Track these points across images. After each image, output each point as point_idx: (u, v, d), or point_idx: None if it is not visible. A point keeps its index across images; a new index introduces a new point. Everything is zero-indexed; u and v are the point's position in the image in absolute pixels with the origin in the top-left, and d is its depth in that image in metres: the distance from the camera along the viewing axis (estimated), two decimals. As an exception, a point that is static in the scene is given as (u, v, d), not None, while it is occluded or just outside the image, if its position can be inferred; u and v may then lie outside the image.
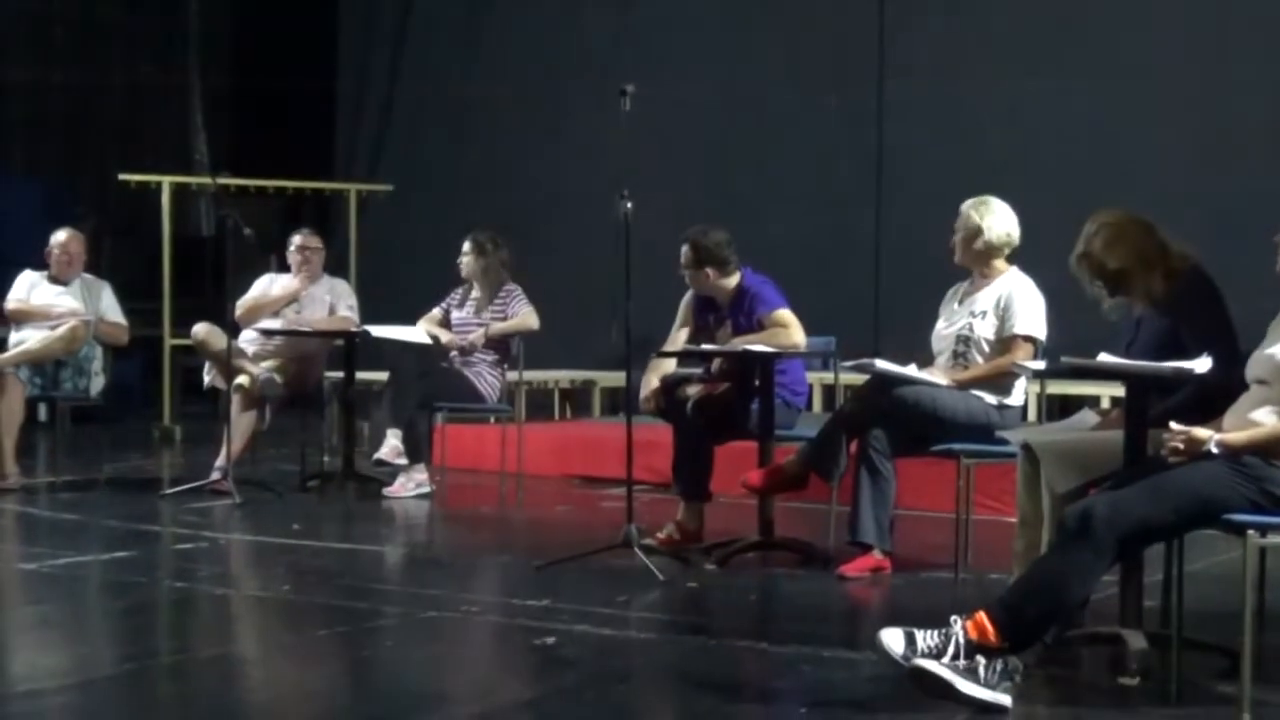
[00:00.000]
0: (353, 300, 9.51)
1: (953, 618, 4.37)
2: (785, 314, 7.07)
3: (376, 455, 8.65)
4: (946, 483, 6.78)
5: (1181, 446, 4.40)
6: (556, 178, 13.30)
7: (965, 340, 6.52)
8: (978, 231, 6.53)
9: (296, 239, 9.45)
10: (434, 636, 5.41)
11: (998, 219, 6.54)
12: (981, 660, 4.29)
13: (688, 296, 7.37)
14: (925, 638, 4.37)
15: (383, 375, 9.15)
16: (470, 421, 9.99)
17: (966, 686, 4.26)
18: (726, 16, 12.88)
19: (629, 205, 6.51)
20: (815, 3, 12.31)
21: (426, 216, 13.90)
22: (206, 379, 9.38)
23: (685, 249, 7.18)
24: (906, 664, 4.34)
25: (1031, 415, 7.97)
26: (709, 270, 7.15)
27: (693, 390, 7.07)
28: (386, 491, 8.73)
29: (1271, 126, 10.31)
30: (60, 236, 9.38)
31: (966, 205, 6.59)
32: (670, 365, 7.40)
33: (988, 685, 4.26)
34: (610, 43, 13.16)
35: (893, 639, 4.41)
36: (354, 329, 9.17)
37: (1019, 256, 6.62)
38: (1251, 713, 4.22)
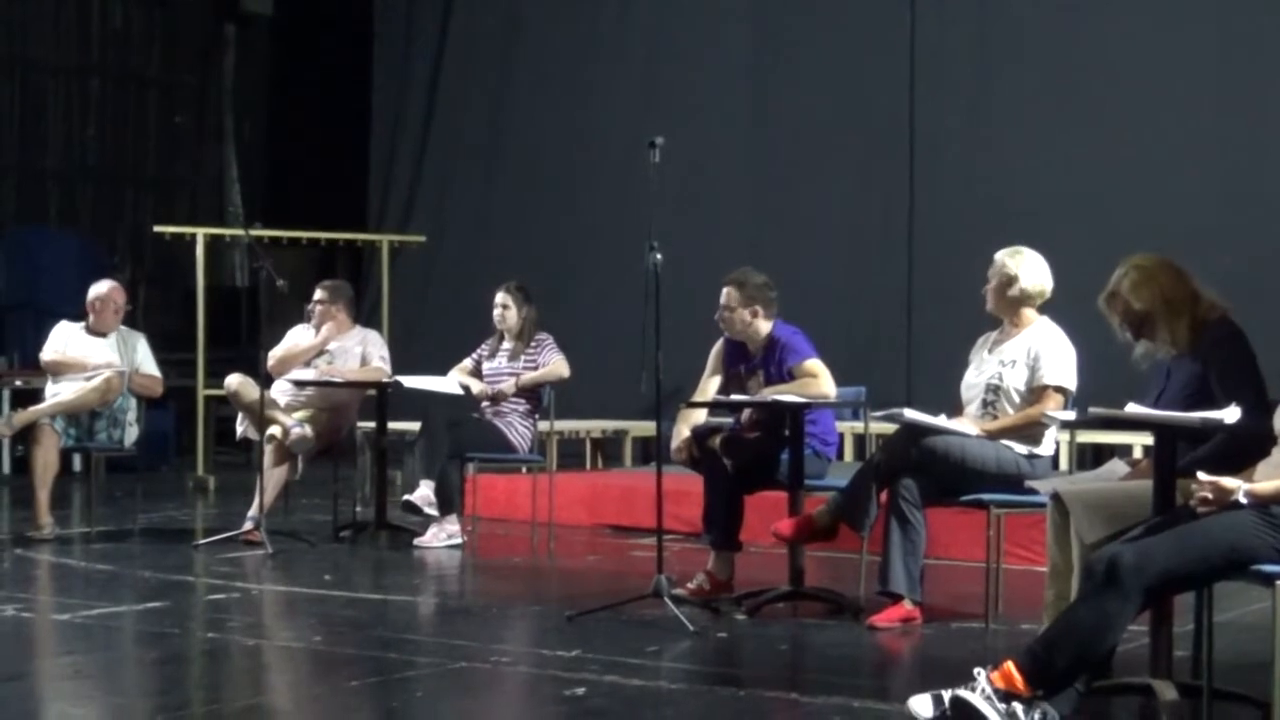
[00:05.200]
0: (385, 351, 9.54)
1: (976, 670, 4.37)
2: (815, 364, 7.07)
3: (406, 497, 8.65)
4: (977, 532, 6.77)
5: (1210, 496, 4.39)
6: (587, 228, 13.36)
7: (995, 389, 6.52)
8: (1011, 280, 6.53)
9: (316, 293, 9.54)
10: (464, 687, 5.42)
11: (1032, 269, 6.55)
12: (1020, 707, 4.29)
13: (717, 346, 7.38)
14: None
15: (415, 425, 9.18)
16: (502, 471, 10.02)
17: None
18: (755, 67, 12.93)
19: (659, 256, 6.55)
20: (846, 52, 12.34)
21: (459, 267, 13.99)
22: (239, 430, 9.43)
23: (729, 290, 7.17)
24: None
25: (1063, 465, 7.95)
26: (757, 308, 7.14)
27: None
28: (418, 542, 8.75)
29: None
30: (102, 289, 9.42)
31: (1001, 254, 6.60)
32: (701, 415, 7.40)
33: (1026, 733, 4.27)
34: (640, 94, 13.23)
35: (921, 705, 4.43)
36: (386, 379, 9.21)
37: (1049, 304, 6.62)
38: (1283, 764, 4.20)
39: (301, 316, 9.67)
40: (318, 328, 9.42)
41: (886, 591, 6.33)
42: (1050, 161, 11.28)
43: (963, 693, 4.33)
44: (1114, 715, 4.86)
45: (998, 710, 4.27)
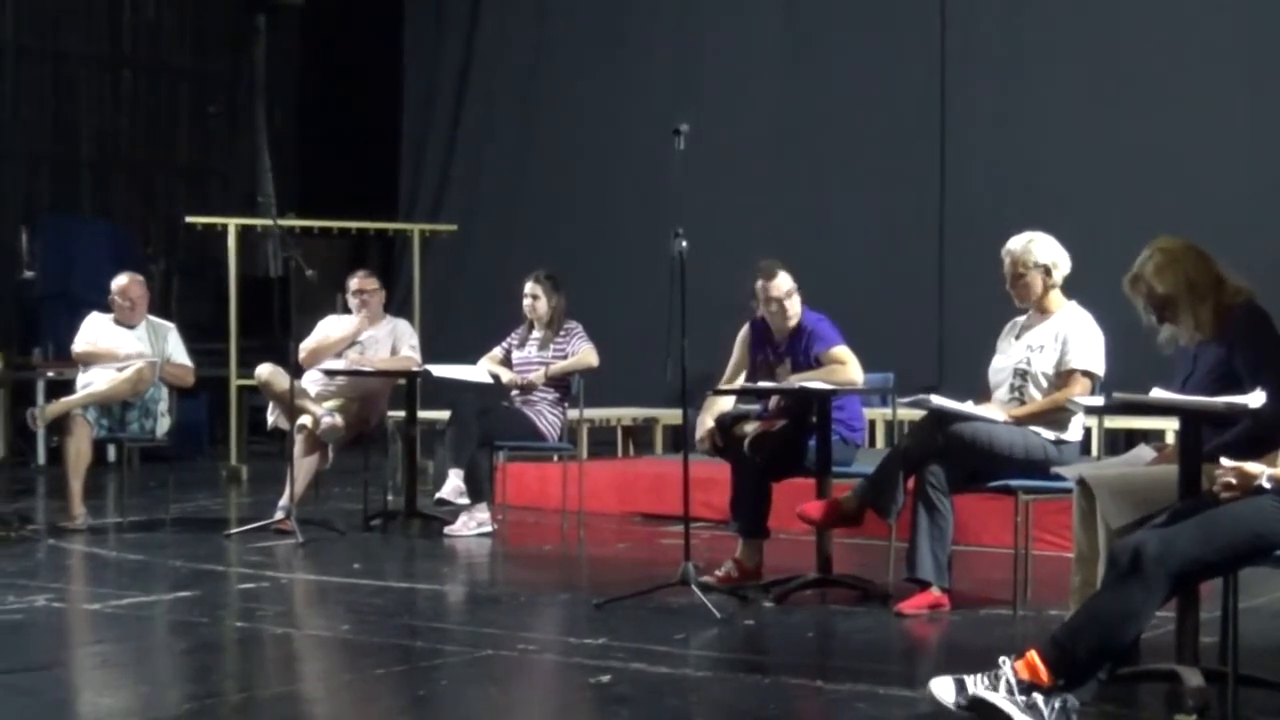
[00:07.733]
0: (415, 340, 9.58)
1: (1001, 659, 4.36)
2: (842, 351, 7.07)
3: (438, 495, 8.70)
4: (1005, 518, 6.75)
5: (1234, 482, 4.37)
6: (617, 216, 13.36)
7: (1023, 374, 6.50)
8: (1027, 266, 6.50)
9: (353, 282, 9.53)
10: (491, 675, 5.43)
11: (1044, 248, 6.51)
12: (1040, 697, 4.27)
13: (743, 332, 7.38)
14: (975, 682, 4.35)
15: (445, 414, 9.20)
16: (532, 460, 10.03)
17: (1026, 720, 4.26)
18: (783, 53, 12.90)
19: (684, 243, 6.54)
20: (875, 37, 12.31)
21: (489, 256, 14.01)
22: (270, 419, 9.47)
23: (784, 276, 7.13)
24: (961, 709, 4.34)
25: (1094, 450, 7.92)
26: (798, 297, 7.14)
27: (750, 428, 7.07)
28: (448, 530, 8.78)
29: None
30: (120, 281, 9.45)
31: (1011, 246, 6.55)
32: (726, 403, 7.40)
33: (1047, 724, 4.26)
34: (669, 82, 13.21)
35: (943, 689, 4.40)
36: (416, 368, 9.23)
37: (1079, 288, 6.59)
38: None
39: (333, 306, 9.68)
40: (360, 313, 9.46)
41: (914, 578, 6.32)
42: (1081, 145, 11.24)
43: (983, 692, 4.30)
44: (1140, 701, 4.84)
45: (1018, 704, 4.26)
